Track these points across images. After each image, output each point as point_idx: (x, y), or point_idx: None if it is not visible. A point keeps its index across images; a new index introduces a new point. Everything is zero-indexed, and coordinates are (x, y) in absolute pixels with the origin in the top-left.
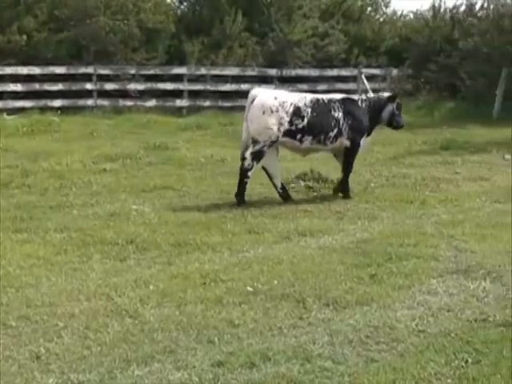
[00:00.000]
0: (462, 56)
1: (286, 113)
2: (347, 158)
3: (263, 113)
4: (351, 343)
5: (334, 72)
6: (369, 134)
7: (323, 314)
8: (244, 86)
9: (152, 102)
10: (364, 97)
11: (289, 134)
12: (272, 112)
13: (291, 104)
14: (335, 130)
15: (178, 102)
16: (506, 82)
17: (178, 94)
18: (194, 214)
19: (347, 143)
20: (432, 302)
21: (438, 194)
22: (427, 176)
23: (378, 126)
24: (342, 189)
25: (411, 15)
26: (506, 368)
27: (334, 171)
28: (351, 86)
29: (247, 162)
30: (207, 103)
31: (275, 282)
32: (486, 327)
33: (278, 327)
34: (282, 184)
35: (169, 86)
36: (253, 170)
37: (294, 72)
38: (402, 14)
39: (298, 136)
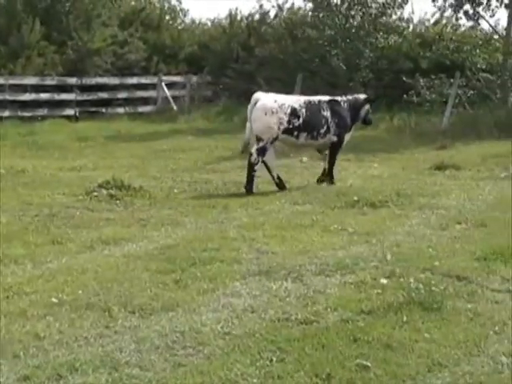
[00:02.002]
0: (259, 62)
1: (285, 113)
2: (333, 151)
3: (265, 114)
4: (158, 349)
5: (134, 80)
6: (349, 130)
7: (129, 322)
8: (44, 96)
9: None
10: (345, 98)
11: (287, 131)
12: (273, 113)
13: (288, 106)
14: (325, 127)
15: None
16: (301, 86)
17: None
18: None
19: (334, 139)
20: (236, 304)
21: (239, 197)
22: (228, 181)
23: (356, 123)
24: (330, 177)
25: (209, 23)
26: (309, 364)
27: (136, 179)
28: (151, 93)
29: (253, 157)
30: (6, 113)
31: (80, 292)
32: (289, 326)
33: (84, 337)
34: (277, 175)
35: None
36: (259, 164)
37: (94, 80)
38: (200, 22)
39: (295, 133)
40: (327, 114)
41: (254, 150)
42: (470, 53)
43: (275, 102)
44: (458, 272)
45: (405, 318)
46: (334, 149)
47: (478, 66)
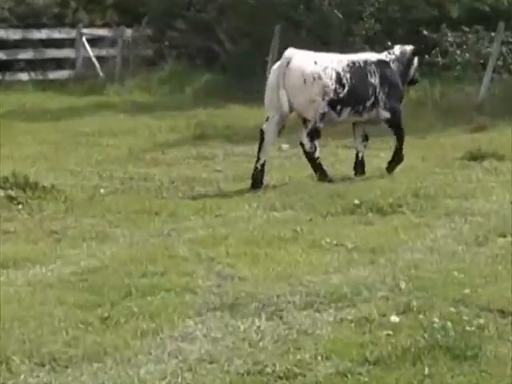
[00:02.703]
0: (220, 9)
1: (330, 79)
2: (395, 131)
3: (305, 82)
4: None
5: (43, 34)
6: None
7: (36, 378)
8: None
9: None
10: (393, 55)
11: (330, 104)
12: (315, 80)
13: (332, 69)
14: (372, 99)
15: None
16: (280, 44)
17: None
18: None
19: (386, 115)
20: (188, 351)
21: (192, 200)
22: (177, 176)
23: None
24: (398, 160)
25: None
26: None
27: (47, 174)
28: (68, 53)
29: (308, 147)
30: None
31: None
32: (263, 382)
33: None
34: (264, 163)
35: None
36: (318, 150)
37: None
38: None
39: (338, 107)
40: (375, 80)
41: (303, 137)
42: None
43: (316, 63)
44: (502, 304)
45: (427, 370)
46: (394, 128)
47: None
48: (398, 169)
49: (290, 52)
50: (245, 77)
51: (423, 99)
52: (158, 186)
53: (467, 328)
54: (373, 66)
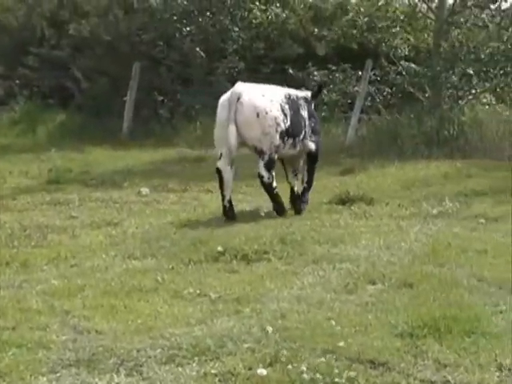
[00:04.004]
0: (75, 46)
1: (277, 110)
2: (311, 163)
3: (257, 115)
4: None
5: None
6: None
7: None
8: None
9: None
10: (308, 94)
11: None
12: (266, 113)
13: (276, 101)
14: (303, 132)
15: None
16: (139, 82)
17: None
18: None
19: (312, 147)
20: None
21: (46, 249)
22: (29, 224)
23: None
24: (304, 198)
25: None
26: None
27: None
28: None
29: (266, 178)
30: None
31: None
32: None
33: None
34: (230, 199)
35: None
36: (274, 181)
37: None
38: None
39: (285, 138)
40: (305, 114)
41: (261, 169)
42: (386, 32)
43: (263, 96)
44: (373, 355)
45: None
46: (313, 160)
47: (399, 51)
48: (264, 211)
49: (239, 87)
50: (102, 117)
51: None
52: (8, 234)
53: (337, 380)
54: (302, 100)
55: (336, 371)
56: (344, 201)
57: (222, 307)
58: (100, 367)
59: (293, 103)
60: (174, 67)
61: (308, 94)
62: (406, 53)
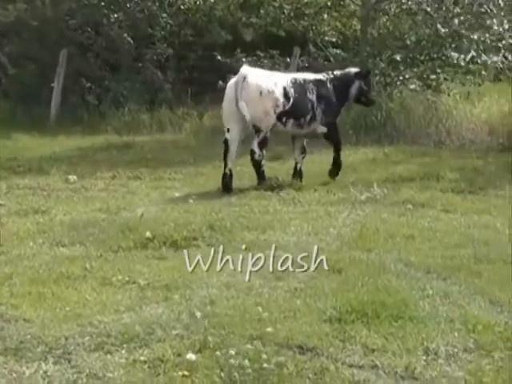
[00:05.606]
0: (2, 32)
1: (280, 93)
2: (333, 144)
3: (260, 94)
4: None
5: None
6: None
7: None
8: None
9: None
10: (332, 75)
11: (279, 116)
12: (269, 93)
13: (281, 84)
14: (310, 114)
15: None
16: (66, 68)
17: None
18: None
19: (323, 129)
20: None
21: None
22: None
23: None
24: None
25: None
26: None
27: None
28: None
29: (257, 155)
30: None
31: None
32: None
33: None
34: (230, 171)
35: None
36: (263, 160)
37: None
38: None
39: (284, 119)
40: (313, 97)
41: (254, 146)
42: (314, 19)
43: (268, 78)
44: (301, 340)
45: None
46: (332, 141)
47: (327, 38)
48: (193, 198)
49: (245, 69)
50: (29, 103)
51: (219, 127)
52: None
53: (265, 366)
54: (311, 84)
55: (265, 357)
56: (272, 187)
57: (150, 294)
58: (28, 355)
59: (299, 87)
60: (101, 53)
61: (325, 77)
62: (334, 40)
